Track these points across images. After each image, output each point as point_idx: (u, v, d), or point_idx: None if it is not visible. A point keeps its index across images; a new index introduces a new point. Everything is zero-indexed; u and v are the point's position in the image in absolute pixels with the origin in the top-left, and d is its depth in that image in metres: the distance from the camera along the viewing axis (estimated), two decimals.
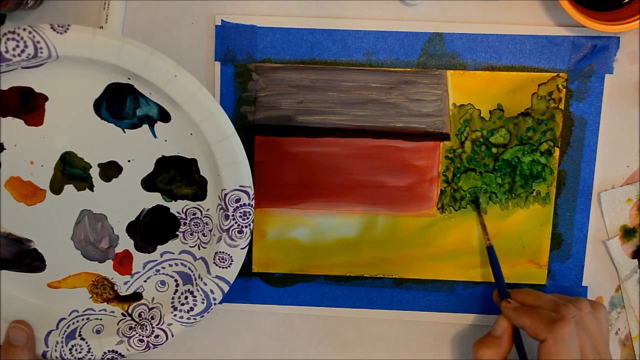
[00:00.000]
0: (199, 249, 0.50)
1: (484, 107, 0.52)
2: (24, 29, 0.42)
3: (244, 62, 0.51)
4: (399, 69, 0.51)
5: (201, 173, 0.48)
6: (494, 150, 0.52)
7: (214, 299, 0.49)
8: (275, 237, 0.54)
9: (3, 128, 0.46)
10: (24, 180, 0.48)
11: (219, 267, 0.48)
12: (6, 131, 0.47)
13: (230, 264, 0.48)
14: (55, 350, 0.50)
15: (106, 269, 0.50)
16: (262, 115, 0.52)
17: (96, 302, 0.51)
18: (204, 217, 0.49)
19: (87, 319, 0.51)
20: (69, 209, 0.49)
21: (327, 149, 0.53)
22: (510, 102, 0.51)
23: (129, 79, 0.46)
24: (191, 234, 0.50)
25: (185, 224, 0.49)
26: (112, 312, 0.51)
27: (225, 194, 0.47)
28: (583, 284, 0.54)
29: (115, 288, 0.51)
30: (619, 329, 0.55)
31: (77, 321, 0.51)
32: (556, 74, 0.51)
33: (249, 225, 0.47)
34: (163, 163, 0.48)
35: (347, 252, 0.54)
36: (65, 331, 0.50)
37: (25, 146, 0.47)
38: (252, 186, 0.46)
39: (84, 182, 0.48)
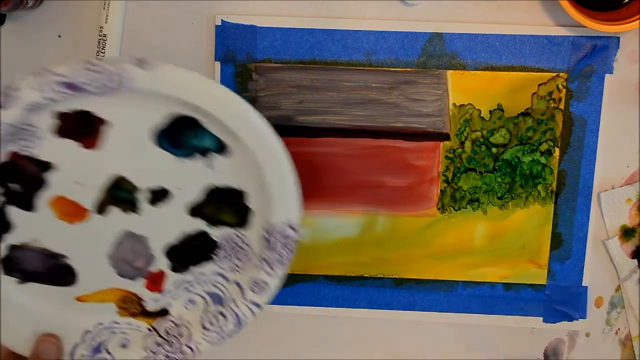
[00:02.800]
0: (233, 272, 0.50)
1: (484, 107, 0.52)
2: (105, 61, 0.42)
3: (244, 62, 0.51)
4: (399, 69, 0.51)
5: (248, 204, 0.48)
6: (494, 150, 0.52)
7: (245, 320, 0.49)
8: None
9: (57, 148, 0.46)
10: (69, 199, 0.47)
11: (255, 293, 0.49)
12: (60, 151, 0.46)
13: (266, 290, 0.49)
14: None
15: (137, 286, 0.50)
16: (262, 115, 0.52)
17: (122, 315, 0.50)
18: (243, 243, 0.49)
19: (112, 332, 0.50)
20: (110, 228, 0.48)
21: (327, 149, 0.53)
22: (510, 102, 0.52)
23: (193, 112, 0.45)
24: (226, 258, 0.50)
25: (222, 248, 0.49)
26: (138, 326, 0.50)
27: (273, 227, 0.47)
28: (583, 284, 0.54)
29: (143, 304, 0.50)
30: (618, 329, 0.55)
31: (103, 334, 0.50)
32: (556, 74, 0.51)
33: (290, 255, 0.48)
34: (212, 192, 0.48)
35: (347, 252, 0.54)
36: (91, 344, 0.49)
37: (77, 167, 0.46)
38: (299, 221, 0.47)
39: (130, 205, 0.48)
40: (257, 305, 0.49)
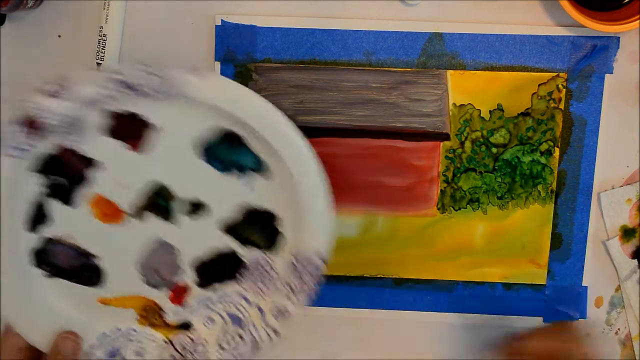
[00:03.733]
0: (256, 296, 0.50)
1: (484, 107, 0.52)
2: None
3: (244, 62, 0.51)
4: (399, 69, 0.51)
5: (280, 229, 0.49)
6: (494, 150, 0.52)
7: (262, 345, 0.50)
8: None
9: (104, 147, 0.46)
10: (108, 199, 0.47)
11: (276, 319, 0.49)
12: (106, 150, 0.46)
13: (288, 317, 0.49)
14: None
15: (161, 296, 0.50)
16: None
17: (141, 324, 0.50)
18: (270, 268, 0.50)
19: (129, 339, 0.50)
20: (145, 235, 0.49)
21: (327, 149, 0.53)
22: (510, 102, 0.52)
23: (238, 128, 0.46)
24: (251, 280, 0.50)
25: (248, 269, 0.50)
26: (154, 337, 0.50)
27: (302, 255, 0.48)
28: (583, 284, 0.54)
29: (163, 315, 0.50)
30: (619, 329, 0.55)
31: (119, 340, 0.50)
32: (556, 74, 0.51)
33: (316, 286, 0.48)
34: (247, 212, 0.48)
35: (347, 252, 0.54)
36: (107, 348, 0.49)
37: (120, 168, 0.47)
38: (329, 252, 0.48)
39: (167, 213, 0.48)
40: (276, 332, 0.49)
